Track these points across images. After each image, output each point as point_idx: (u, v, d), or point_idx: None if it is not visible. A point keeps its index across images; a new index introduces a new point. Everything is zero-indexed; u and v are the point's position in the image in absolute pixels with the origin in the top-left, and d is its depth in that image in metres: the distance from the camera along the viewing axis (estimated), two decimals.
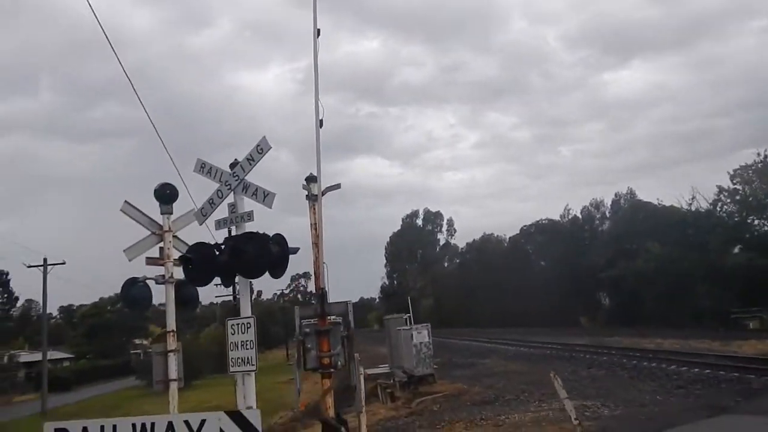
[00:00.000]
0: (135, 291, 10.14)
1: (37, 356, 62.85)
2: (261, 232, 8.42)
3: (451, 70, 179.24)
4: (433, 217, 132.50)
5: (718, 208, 55.84)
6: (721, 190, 53.95)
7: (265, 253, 8.26)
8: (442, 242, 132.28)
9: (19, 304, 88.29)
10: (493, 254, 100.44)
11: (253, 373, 8.20)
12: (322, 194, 10.31)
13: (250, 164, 8.63)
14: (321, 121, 10.24)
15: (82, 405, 43.57)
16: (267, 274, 8.53)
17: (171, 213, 10.59)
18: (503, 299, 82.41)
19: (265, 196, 8.44)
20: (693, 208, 58.03)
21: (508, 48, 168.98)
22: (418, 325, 24.44)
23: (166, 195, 10.50)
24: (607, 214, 79.54)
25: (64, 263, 45.40)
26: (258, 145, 8.56)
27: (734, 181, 53.31)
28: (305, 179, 10.31)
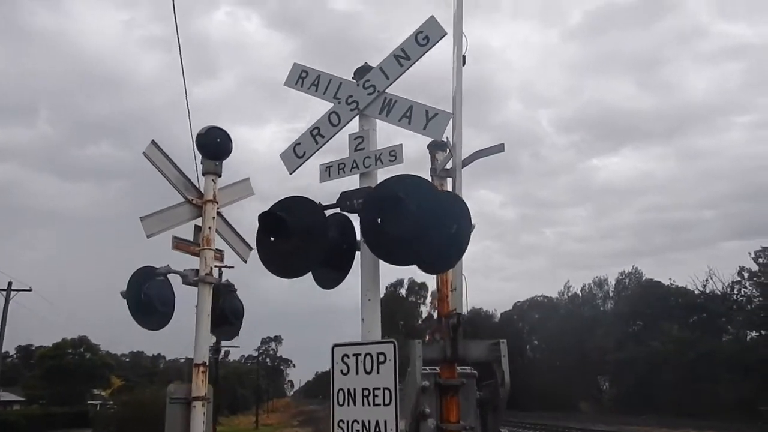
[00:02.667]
0: (153, 289, 6.05)
1: None
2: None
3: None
4: (418, 288, 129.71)
5: (736, 291, 53.03)
6: (741, 269, 51.17)
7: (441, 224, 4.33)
8: (425, 314, 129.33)
9: None
10: (483, 329, 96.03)
11: None
12: (467, 163, 6.48)
13: (401, 64, 4.82)
14: (464, 57, 6.65)
15: None
16: None
17: (219, 175, 6.64)
18: None
19: (430, 119, 4.57)
20: (708, 290, 55.06)
21: (503, 127, 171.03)
22: None
23: (214, 145, 6.58)
24: (610, 293, 75.92)
25: (30, 290, 41.66)
26: (421, 32, 4.77)
27: (759, 262, 50.48)
28: (429, 146, 6.36)
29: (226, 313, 6.55)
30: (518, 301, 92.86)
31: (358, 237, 4.80)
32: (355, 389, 4.44)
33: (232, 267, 13.43)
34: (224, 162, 6.67)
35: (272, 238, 4.75)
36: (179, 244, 6.35)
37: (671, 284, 59.58)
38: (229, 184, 7.02)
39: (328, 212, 4.80)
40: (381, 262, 4.70)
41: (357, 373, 4.48)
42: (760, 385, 42.50)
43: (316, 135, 5.13)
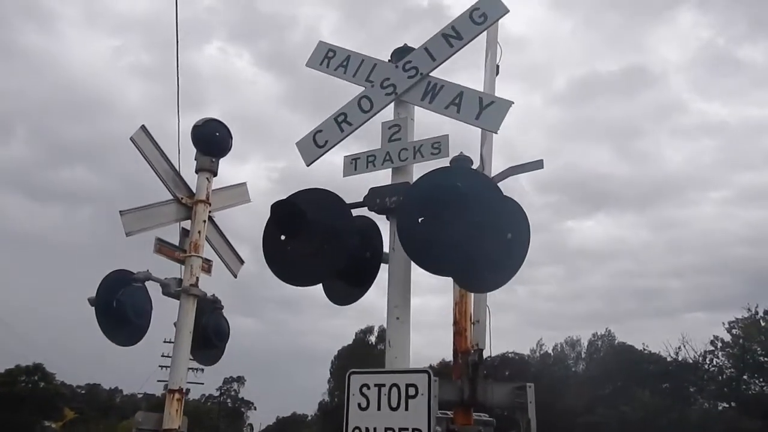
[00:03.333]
0: (127, 297, 5.11)
1: None
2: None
3: None
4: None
5: (708, 361, 52.87)
6: (715, 339, 51.10)
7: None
8: None
9: None
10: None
11: None
12: (500, 179, 5.75)
13: (450, 44, 4.11)
14: (497, 66, 6.13)
15: None
16: None
17: (214, 174, 5.80)
18: None
19: (485, 107, 3.83)
20: (680, 358, 54.82)
21: None
22: None
23: (212, 139, 5.76)
24: (583, 355, 75.22)
25: None
26: (477, 9, 4.07)
27: (733, 333, 50.55)
28: (452, 161, 5.64)
29: (210, 334, 5.61)
30: (488, 357, 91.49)
31: (386, 246, 4.00)
32: (375, 429, 3.56)
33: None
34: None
35: (283, 236, 3.92)
36: (163, 247, 5.45)
37: (644, 349, 59.18)
38: (224, 187, 6.19)
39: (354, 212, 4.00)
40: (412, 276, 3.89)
41: (379, 408, 3.61)
42: None
43: (342, 122, 4.35)
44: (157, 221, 5.44)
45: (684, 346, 54.29)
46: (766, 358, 50.83)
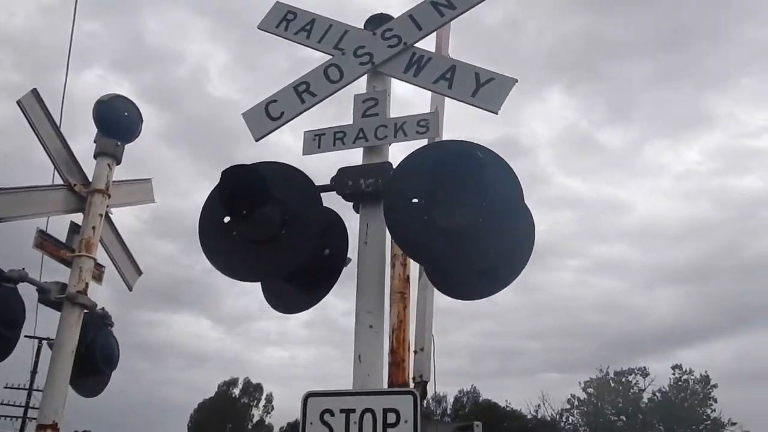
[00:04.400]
0: None
1: None
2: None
3: None
4: (252, 390, 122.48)
5: (564, 419, 55.38)
6: (572, 397, 53.69)
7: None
8: (256, 418, 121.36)
9: None
10: None
11: None
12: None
13: (441, 14, 3.56)
14: None
15: None
16: None
17: (118, 161, 4.80)
18: None
19: (482, 84, 3.27)
20: (539, 415, 56.96)
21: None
22: None
23: (119, 119, 4.78)
24: (448, 411, 75.83)
25: None
26: None
27: (588, 392, 53.36)
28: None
29: (96, 356, 4.47)
30: (435, 393, 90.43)
31: (355, 242, 3.27)
32: None
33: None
34: None
35: (229, 216, 3.08)
36: (45, 242, 4.33)
37: (506, 406, 60.80)
38: (125, 180, 5.15)
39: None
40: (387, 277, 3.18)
41: None
42: None
43: (304, 92, 3.61)
44: (40, 209, 4.32)
45: (543, 404, 56.35)
46: (615, 417, 53.97)
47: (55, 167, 4.53)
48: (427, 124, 3.30)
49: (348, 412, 2.85)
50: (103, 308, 4.73)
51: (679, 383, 53.53)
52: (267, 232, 3.05)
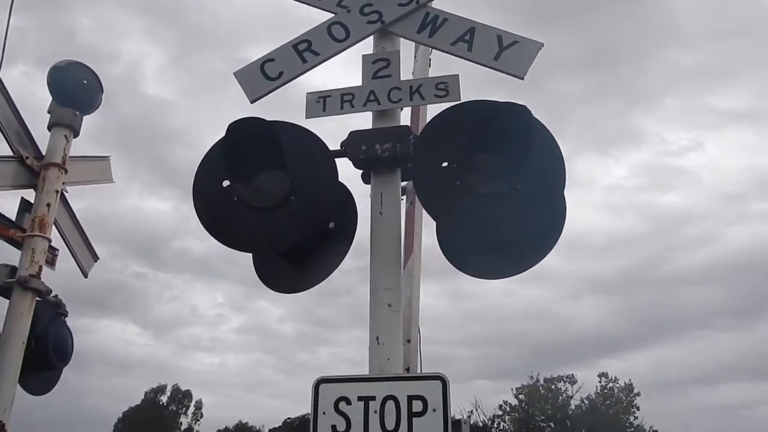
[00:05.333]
0: None
1: None
2: None
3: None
4: (181, 397, 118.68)
5: (496, 425, 56.19)
6: (504, 403, 54.48)
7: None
8: (184, 426, 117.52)
9: None
10: None
11: None
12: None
13: None
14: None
15: None
16: None
17: (76, 133, 4.31)
18: None
19: (505, 47, 3.03)
20: (472, 421, 57.63)
21: None
22: None
23: (77, 87, 4.31)
24: None
25: None
26: None
27: (519, 398, 54.29)
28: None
29: (48, 349, 3.95)
30: (289, 418, 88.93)
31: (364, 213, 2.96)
32: None
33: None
34: None
35: (229, 179, 2.71)
36: None
37: None
38: (81, 156, 4.63)
39: None
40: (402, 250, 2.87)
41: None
42: None
43: (305, 50, 3.27)
44: None
45: (476, 410, 56.94)
46: (544, 423, 55.11)
47: (5, 137, 3.99)
48: (446, 87, 3.03)
49: (367, 399, 2.53)
50: (56, 295, 4.20)
51: (605, 391, 55.14)
52: (271, 198, 2.70)
